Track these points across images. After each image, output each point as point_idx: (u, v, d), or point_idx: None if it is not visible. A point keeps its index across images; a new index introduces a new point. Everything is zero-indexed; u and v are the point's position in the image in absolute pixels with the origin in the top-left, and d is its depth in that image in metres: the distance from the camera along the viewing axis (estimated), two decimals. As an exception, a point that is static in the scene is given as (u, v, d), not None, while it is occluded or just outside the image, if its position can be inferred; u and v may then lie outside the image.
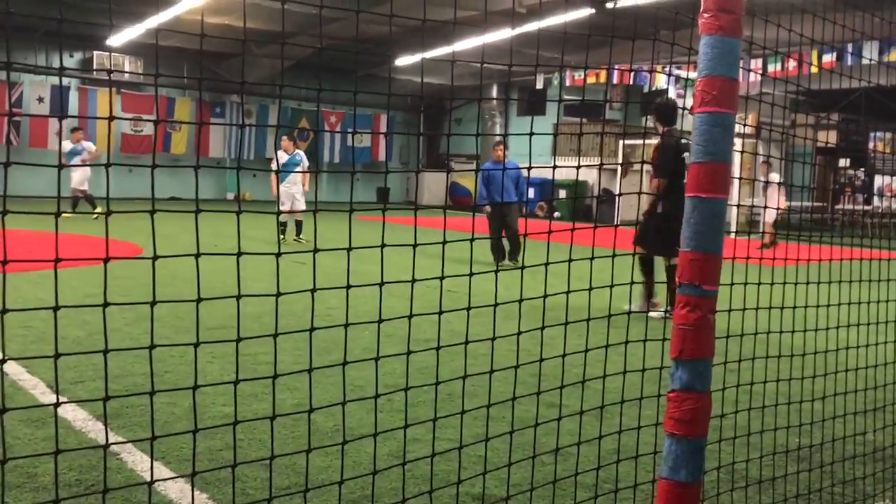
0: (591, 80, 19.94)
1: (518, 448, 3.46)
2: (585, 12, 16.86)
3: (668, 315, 6.94)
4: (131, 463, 3.29)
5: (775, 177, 15.49)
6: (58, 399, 1.52)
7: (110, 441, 3.45)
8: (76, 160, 15.86)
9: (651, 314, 7.01)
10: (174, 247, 9.82)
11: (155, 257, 1.64)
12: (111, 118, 1.63)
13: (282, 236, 12.51)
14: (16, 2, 18.40)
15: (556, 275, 2.80)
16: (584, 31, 18.59)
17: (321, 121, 27.18)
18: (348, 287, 1.90)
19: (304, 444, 3.49)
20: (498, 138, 10.98)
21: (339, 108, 27.80)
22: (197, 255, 1.69)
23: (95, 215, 14.91)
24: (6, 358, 1.49)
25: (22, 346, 5.10)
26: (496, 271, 2.47)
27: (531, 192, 23.06)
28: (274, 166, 13.96)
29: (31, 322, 5.65)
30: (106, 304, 1.57)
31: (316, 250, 1.82)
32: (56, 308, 1.60)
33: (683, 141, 7.45)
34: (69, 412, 3.85)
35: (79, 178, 16.27)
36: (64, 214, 11.53)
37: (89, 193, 16.34)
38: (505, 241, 10.76)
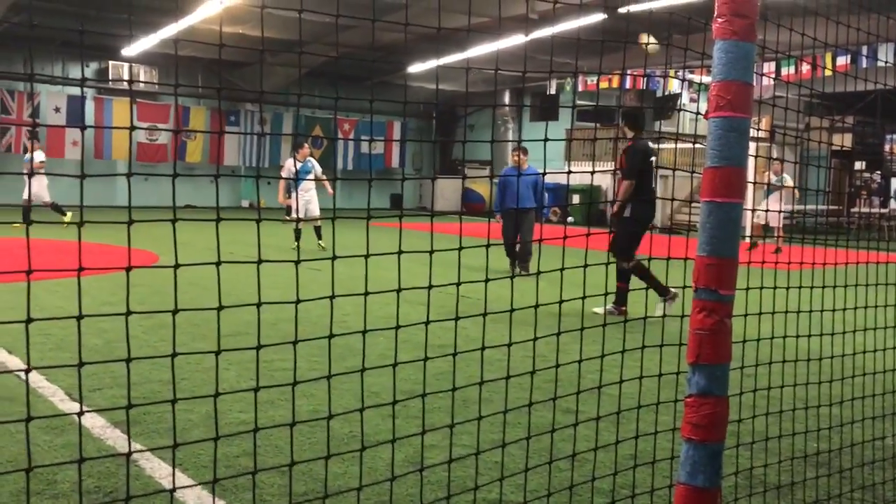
0: (603, 85, 19.93)
1: (534, 454, 3.46)
2: (598, 18, 16.86)
3: (612, 311, 6.92)
4: (149, 469, 3.31)
5: (788, 179, 15.37)
6: (81, 407, 1.54)
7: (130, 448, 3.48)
8: (26, 169, 15.65)
9: (595, 310, 7.06)
10: (191, 254, 9.87)
11: (176, 266, 1.66)
12: (132, 128, 1.65)
13: (297, 243, 12.53)
14: (33, 14, 18.58)
15: (572, 281, 2.80)
16: (596, 36, 18.59)
17: (335, 128, 27.29)
18: (366, 294, 1.92)
19: (320, 451, 3.51)
20: (516, 144, 10.95)
21: (352, 115, 27.90)
22: (217, 264, 1.70)
23: (17, 225, 14.19)
24: (30, 367, 1.51)
25: (41, 353, 5.14)
26: (511, 277, 2.47)
27: (547, 198, 22.99)
28: (284, 173, 14.00)
29: (49, 330, 5.70)
30: (129, 313, 1.59)
31: (334, 258, 1.83)
32: (80, 317, 1.62)
33: (652, 146, 7.69)
34: (87, 419, 3.88)
35: (37, 190, 15.59)
36: (64, 221, 11.32)
37: (29, 205, 15.99)
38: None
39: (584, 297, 2.48)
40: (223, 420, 3.94)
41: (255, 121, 26.21)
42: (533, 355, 2.44)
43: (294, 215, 13.08)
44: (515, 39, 19.23)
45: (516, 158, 10.78)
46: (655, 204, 7.50)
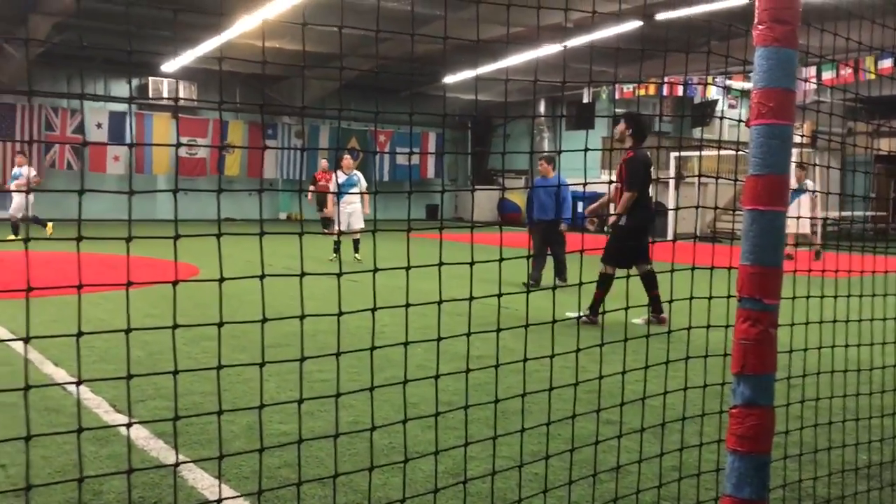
0: (640, 92, 19.82)
1: (577, 466, 3.43)
2: (634, 25, 16.77)
3: (652, 320, 6.87)
4: (192, 480, 3.34)
5: (810, 184, 15.03)
6: (130, 419, 1.56)
7: (173, 459, 3.51)
8: (13, 185, 15.49)
9: (635, 321, 7.16)
10: (232, 266, 9.98)
11: (221, 279, 1.68)
12: (178, 145, 1.68)
13: (335, 255, 12.59)
14: (76, 32, 19.02)
15: (612, 292, 2.78)
16: (633, 44, 18.50)
17: (371, 140, 27.50)
18: (407, 306, 1.92)
19: (359, 462, 3.52)
20: (543, 153, 10.87)
21: (387, 126, 28.08)
22: (262, 277, 1.72)
23: (49, 233, 13.97)
24: (81, 381, 1.54)
25: (85, 365, 5.22)
26: (554, 288, 2.46)
27: (582, 207, 22.83)
28: (331, 186, 14.07)
29: (92, 342, 5.79)
30: (175, 326, 1.61)
31: (375, 270, 1.84)
32: (128, 331, 1.64)
33: (650, 155, 7.90)
34: (131, 430, 3.93)
35: (16, 204, 15.51)
36: (10, 238, 11.26)
37: (33, 216, 15.61)
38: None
39: (626, 308, 2.46)
40: (265, 431, 3.97)
41: (292, 134, 26.49)
42: (576, 366, 2.42)
43: (336, 227, 13.11)
44: (549, 48, 19.21)
45: (542, 168, 10.74)
46: (653, 213, 7.58)
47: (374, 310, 1.92)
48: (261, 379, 1.88)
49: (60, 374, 5.08)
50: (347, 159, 13.24)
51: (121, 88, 23.72)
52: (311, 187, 17.81)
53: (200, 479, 3.34)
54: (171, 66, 22.23)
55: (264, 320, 1.76)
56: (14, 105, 22.33)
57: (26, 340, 1.49)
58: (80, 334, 1.59)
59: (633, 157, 7.43)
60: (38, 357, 5.41)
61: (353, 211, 12.76)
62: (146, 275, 10.04)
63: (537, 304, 7.77)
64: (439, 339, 2.05)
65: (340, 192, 12.65)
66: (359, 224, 12.75)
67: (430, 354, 5.02)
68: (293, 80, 24.64)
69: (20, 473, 3.33)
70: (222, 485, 3.26)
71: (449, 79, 23.72)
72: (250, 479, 3.33)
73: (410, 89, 25.96)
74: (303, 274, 1.78)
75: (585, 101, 23.56)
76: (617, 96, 21.22)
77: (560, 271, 10.26)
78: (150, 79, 23.55)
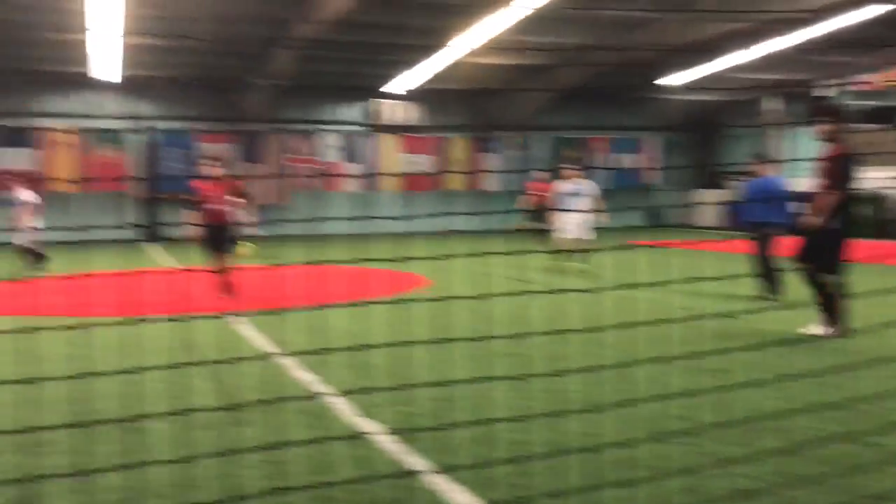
0: (886, 82, 18.14)
1: (831, 490, 3.20)
2: (879, 10, 15.36)
3: (833, 334, 6.41)
4: (428, 484, 3.50)
5: None
6: (379, 429, 1.68)
7: (418, 467, 3.70)
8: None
9: (801, 330, 6.60)
10: (461, 277, 10.22)
11: (484, 296, 1.77)
12: (441, 172, 1.78)
13: (568, 263, 12.48)
14: (311, 62, 20.62)
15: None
16: (874, 32, 16.98)
17: (588, 149, 27.37)
18: (660, 322, 1.91)
19: (589, 474, 3.51)
20: (761, 154, 10.01)
21: (605, 133, 27.78)
22: (514, 295, 1.79)
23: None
24: (346, 392, 1.68)
25: (331, 371, 5.62)
26: (767, 301, 2.33)
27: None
28: (551, 195, 14.08)
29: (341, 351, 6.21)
30: (451, 340, 1.72)
31: (634, 286, 1.85)
32: (403, 344, 1.77)
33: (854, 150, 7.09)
34: (374, 434, 4.18)
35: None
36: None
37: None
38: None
39: (881, 327, 2.28)
40: (495, 439, 4.06)
41: (511, 146, 26.91)
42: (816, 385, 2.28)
43: (556, 237, 13.02)
44: (778, 42, 18.09)
45: (758, 169, 9.85)
46: (854, 216, 6.89)
47: (628, 326, 1.93)
48: (489, 390, 1.94)
49: (311, 378, 5.49)
50: (568, 170, 13.16)
51: (351, 112, 25.44)
52: (524, 198, 18.00)
53: (438, 484, 3.49)
54: (397, 87, 23.52)
55: (509, 336, 1.83)
56: (258, 133, 24.67)
57: (297, 354, 1.65)
58: (358, 348, 1.74)
59: (841, 154, 6.78)
60: (291, 362, 5.91)
61: (578, 221, 12.52)
62: (385, 286, 10.63)
63: (772, 316, 7.33)
64: (681, 358, 2.01)
65: (562, 208, 12.65)
66: (584, 234, 12.53)
67: (659, 366, 4.89)
68: (511, 94, 25.08)
69: (278, 471, 3.67)
70: (458, 491, 3.40)
71: (669, 80, 23.09)
72: (488, 486, 3.43)
73: (626, 94, 25.53)
74: (555, 291, 1.83)
75: (817, 94, 21.92)
76: (858, 88, 19.55)
77: (772, 282, 8.86)
78: (377, 101, 25.05)
